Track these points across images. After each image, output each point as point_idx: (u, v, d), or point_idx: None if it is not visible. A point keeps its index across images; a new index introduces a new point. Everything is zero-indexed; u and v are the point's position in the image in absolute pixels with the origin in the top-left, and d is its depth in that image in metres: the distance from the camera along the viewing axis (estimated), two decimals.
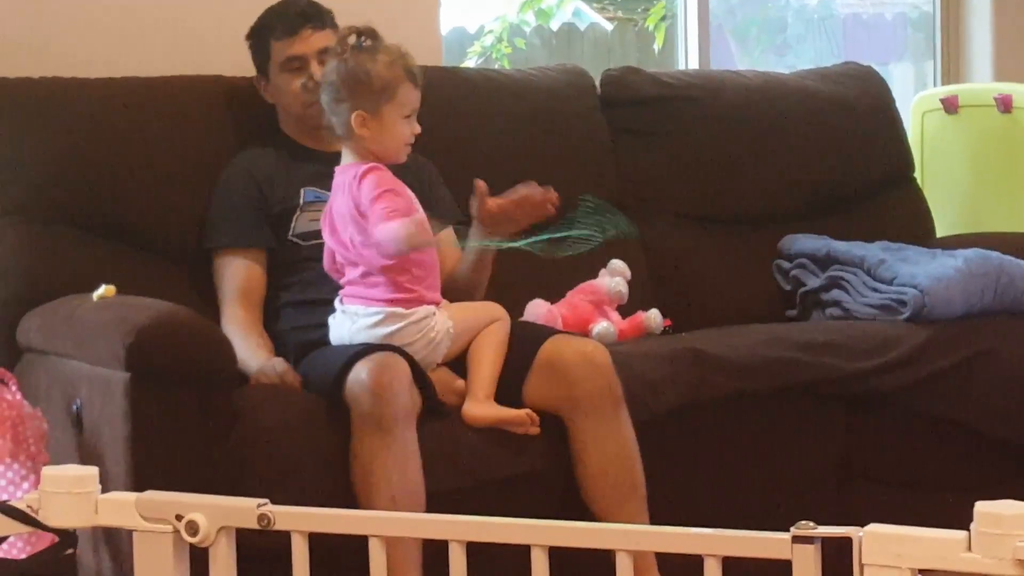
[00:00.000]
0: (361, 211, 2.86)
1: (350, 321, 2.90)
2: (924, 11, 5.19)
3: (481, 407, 2.85)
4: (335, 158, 3.04)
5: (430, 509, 2.70)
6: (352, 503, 2.71)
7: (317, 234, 3.07)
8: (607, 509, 2.85)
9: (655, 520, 2.85)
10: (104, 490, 1.80)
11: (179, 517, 1.70)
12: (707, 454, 3.16)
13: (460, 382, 2.91)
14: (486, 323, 2.94)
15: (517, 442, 2.86)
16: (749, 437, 3.20)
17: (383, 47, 2.93)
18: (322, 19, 3.23)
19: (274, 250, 3.15)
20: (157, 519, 1.71)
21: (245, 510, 1.69)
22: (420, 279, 2.90)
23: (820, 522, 1.61)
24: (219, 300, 3.12)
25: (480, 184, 3.01)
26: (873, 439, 3.33)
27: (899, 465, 3.36)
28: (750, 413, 3.19)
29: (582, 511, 2.84)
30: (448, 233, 3.26)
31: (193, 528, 1.69)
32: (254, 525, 1.69)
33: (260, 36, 3.26)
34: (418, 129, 2.97)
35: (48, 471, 1.75)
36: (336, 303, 2.94)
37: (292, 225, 3.14)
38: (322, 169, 3.12)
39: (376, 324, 2.83)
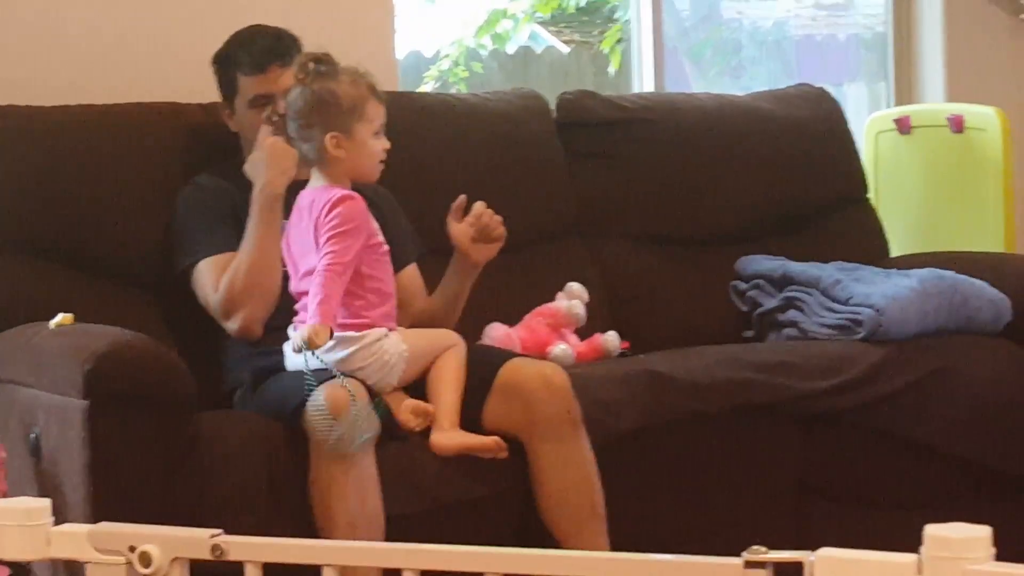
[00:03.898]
0: (317, 238, 2.86)
1: None
2: (877, 32, 5.23)
3: (448, 436, 2.84)
4: (296, 188, 3.04)
5: (389, 533, 2.71)
6: (311, 529, 2.71)
7: None
8: (567, 532, 2.85)
9: (615, 541, 2.86)
10: (64, 518, 1.79)
11: (132, 548, 1.69)
12: (665, 475, 3.16)
13: (410, 400, 2.89)
14: (441, 349, 2.93)
15: (476, 465, 2.85)
16: (706, 457, 3.21)
17: (342, 68, 2.94)
18: (290, 55, 3.12)
19: None
20: (110, 551, 1.70)
21: (198, 541, 1.69)
22: (375, 305, 2.89)
23: (776, 540, 1.61)
24: (205, 305, 3.08)
25: (461, 199, 3.03)
26: (829, 458, 3.34)
27: (855, 483, 3.38)
28: (707, 433, 3.20)
29: (542, 533, 2.84)
30: (412, 271, 3.26)
31: (146, 560, 1.68)
32: (207, 556, 1.68)
33: (226, 67, 3.22)
34: (388, 144, 2.97)
35: None
36: (289, 330, 2.92)
37: None
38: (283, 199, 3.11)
39: (328, 349, 2.83)
